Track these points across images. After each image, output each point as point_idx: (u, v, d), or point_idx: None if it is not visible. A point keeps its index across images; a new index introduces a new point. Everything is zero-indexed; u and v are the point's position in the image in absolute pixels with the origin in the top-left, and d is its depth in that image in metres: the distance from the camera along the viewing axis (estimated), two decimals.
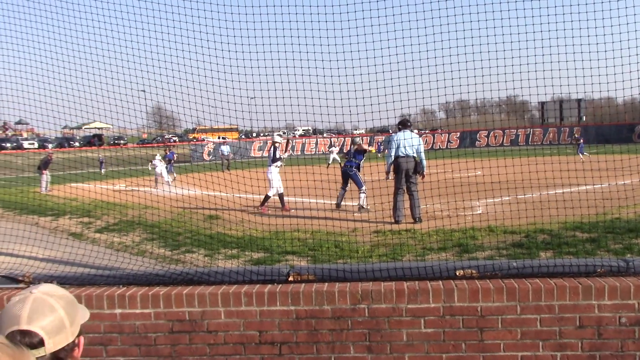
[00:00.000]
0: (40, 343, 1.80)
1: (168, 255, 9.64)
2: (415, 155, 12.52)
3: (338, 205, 15.15)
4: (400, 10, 5.05)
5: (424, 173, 12.56)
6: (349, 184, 15.32)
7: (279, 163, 15.72)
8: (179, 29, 5.31)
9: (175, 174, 27.44)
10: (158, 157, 25.39)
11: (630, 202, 12.16)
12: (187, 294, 4.13)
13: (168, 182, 24.23)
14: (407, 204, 12.36)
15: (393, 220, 12.23)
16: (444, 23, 5.06)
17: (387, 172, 12.72)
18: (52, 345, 1.82)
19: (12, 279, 4.56)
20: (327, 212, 14.24)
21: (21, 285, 4.48)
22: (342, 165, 15.96)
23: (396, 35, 5.09)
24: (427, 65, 5.17)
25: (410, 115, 13.23)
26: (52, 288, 1.94)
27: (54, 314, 1.85)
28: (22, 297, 1.86)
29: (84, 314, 2.04)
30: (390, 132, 12.87)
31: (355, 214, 13.96)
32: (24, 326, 1.79)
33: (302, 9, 5.06)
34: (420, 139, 12.97)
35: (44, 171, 24.25)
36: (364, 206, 14.97)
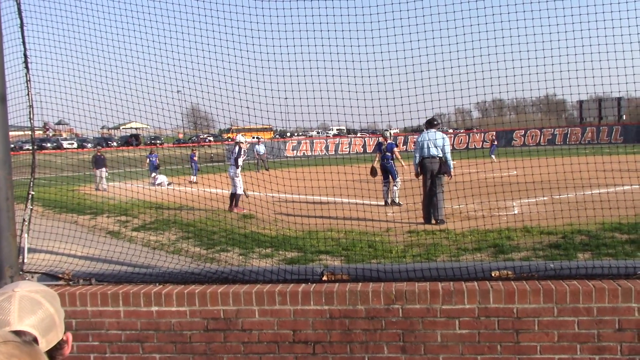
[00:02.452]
0: (34, 343, 1.64)
1: (203, 254, 9.74)
2: (440, 155, 12.34)
3: (387, 202, 15.27)
4: (432, 10, 5.01)
5: (452, 173, 12.39)
6: (389, 178, 15.44)
7: (240, 162, 15.80)
8: (212, 31, 5.36)
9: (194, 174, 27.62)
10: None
11: None
12: (222, 292, 4.17)
13: (161, 182, 24.80)
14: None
15: (423, 221, 12.16)
16: (481, 22, 5.01)
17: (416, 174, 12.65)
18: (45, 344, 1.69)
19: (52, 276, 4.67)
20: (360, 212, 14.22)
21: (61, 282, 4.58)
22: (378, 161, 15.97)
23: (433, 35, 5.06)
24: (464, 64, 5.13)
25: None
26: (33, 285, 1.79)
27: (44, 312, 1.71)
28: (6, 297, 1.70)
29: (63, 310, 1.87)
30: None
31: (388, 211, 13.94)
32: (15, 326, 1.64)
33: (333, 10, 5.06)
34: (447, 138, 12.75)
35: (95, 169, 24.86)
36: (396, 201, 15.08)
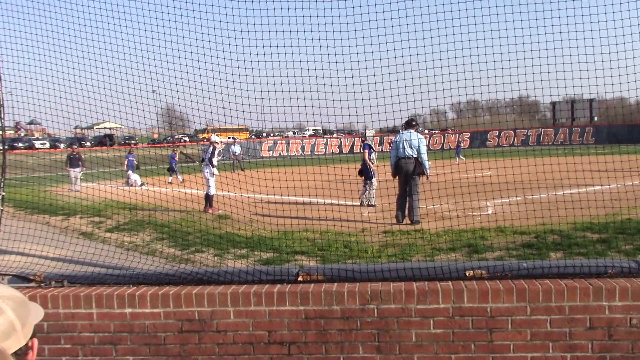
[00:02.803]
0: None
1: (178, 255, 9.68)
2: (415, 155, 12.33)
3: (362, 202, 15.32)
4: (408, 12, 5.04)
5: (428, 174, 12.42)
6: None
7: (215, 162, 15.79)
8: (188, 31, 5.33)
9: (177, 175, 27.55)
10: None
11: None
12: (197, 293, 4.14)
13: (133, 182, 24.85)
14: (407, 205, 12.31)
15: (396, 221, 12.19)
16: (456, 25, 5.05)
17: (393, 174, 12.68)
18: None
19: (23, 278, 4.59)
20: (336, 212, 14.24)
21: (32, 284, 4.51)
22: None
23: (409, 37, 5.09)
24: (439, 66, 5.15)
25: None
26: (1, 289, 1.75)
27: (3, 319, 1.67)
28: None
29: (37, 314, 1.84)
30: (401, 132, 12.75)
31: (363, 212, 13.98)
32: None
33: (310, 12, 5.07)
34: (423, 139, 12.76)
35: (70, 169, 24.48)
36: (371, 202, 15.15)
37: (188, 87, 5.46)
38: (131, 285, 4.39)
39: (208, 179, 15.59)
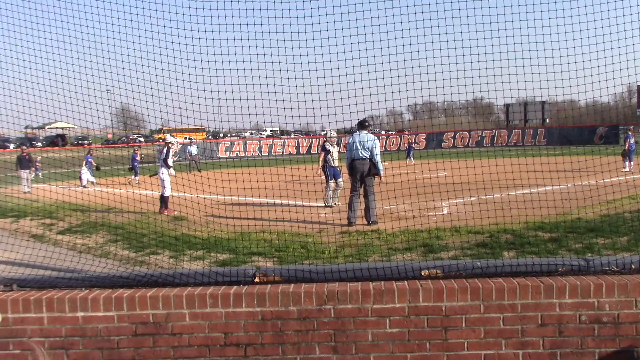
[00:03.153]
0: None
1: (132, 257, 9.51)
2: (369, 157, 12.34)
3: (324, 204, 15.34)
4: (365, 15, 5.07)
5: (382, 175, 12.51)
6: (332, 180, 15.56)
7: (170, 163, 15.69)
8: (144, 30, 5.25)
9: (135, 176, 27.24)
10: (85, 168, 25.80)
11: (590, 202, 12.43)
12: (151, 296, 4.08)
13: (85, 181, 24.48)
14: (363, 206, 12.36)
15: (347, 222, 12.22)
16: (412, 27, 5.10)
17: (349, 174, 12.71)
18: None
19: None
20: (293, 213, 14.25)
21: None
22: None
23: (366, 39, 5.13)
24: (395, 68, 5.20)
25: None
26: None
27: None
28: None
29: None
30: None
31: (320, 212, 14.01)
32: None
33: (267, 12, 5.05)
34: (377, 140, 12.81)
35: (20, 170, 23.85)
36: (328, 202, 15.22)
37: (144, 86, 5.38)
38: (84, 289, 4.30)
39: (163, 180, 15.39)
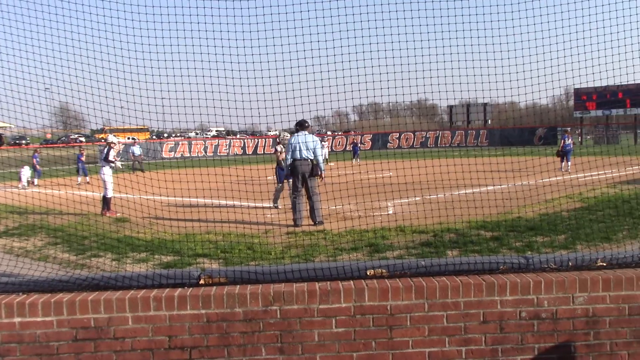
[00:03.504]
0: None
1: (73, 260, 9.26)
2: (312, 157, 12.42)
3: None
4: (311, 14, 5.07)
5: (323, 175, 12.57)
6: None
7: (112, 165, 15.47)
8: (84, 27, 5.11)
9: (82, 176, 26.66)
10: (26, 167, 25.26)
11: (530, 201, 12.79)
12: (93, 300, 3.98)
13: (24, 184, 24.16)
14: (307, 207, 12.39)
15: (294, 224, 12.23)
16: (357, 28, 5.14)
17: (288, 175, 12.68)
18: None
19: None
20: (238, 214, 14.16)
21: None
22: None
23: (311, 39, 5.13)
24: (341, 68, 5.22)
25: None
26: None
27: None
28: None
29: None
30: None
31: (266, 213, 13.97)
32: None
33: (212, 10, 5.00)
34: (318, 141, 12.87)
35: None
36: (274, 203, 15.22)
37: (84, 85, 5.24)
38: (21, 293, 4.16)
39: (105, 181, 15.04)
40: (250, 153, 57.55)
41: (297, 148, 12.27)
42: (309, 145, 12.30)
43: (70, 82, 5.24)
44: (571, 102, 60.60)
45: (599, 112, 62.40)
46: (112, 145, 15.46)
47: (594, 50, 5.47)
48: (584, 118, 63.47)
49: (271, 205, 15.42)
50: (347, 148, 55.08)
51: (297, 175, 12.33)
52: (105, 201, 14.85)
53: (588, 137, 65.82)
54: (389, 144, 62.57)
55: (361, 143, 52.74)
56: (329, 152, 47.51)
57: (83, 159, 27.24)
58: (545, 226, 10.62)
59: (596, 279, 4.08)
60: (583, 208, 13.07)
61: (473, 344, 4.04)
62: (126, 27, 5.04)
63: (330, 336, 4.01)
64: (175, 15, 5.01)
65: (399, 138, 63.08)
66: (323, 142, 45.39)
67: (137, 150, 36.19)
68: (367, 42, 5.17)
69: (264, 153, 56.46)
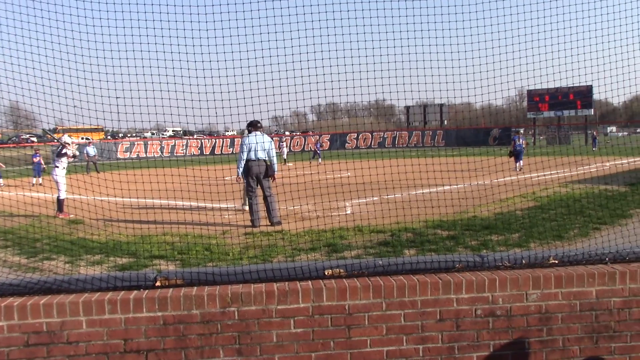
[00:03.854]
0: None
1: (24, 263, 9.02)
2: (266, 158, 12.41)
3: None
4: (269, 13, 5.06)
5: (275, 175, 12.53)
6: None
7: (64, 164, 15.20)
8: (35, 24, 4.97)
9: (33, 177, 26.04)
10: None
11: (485, 201, 13.01)
12: (45, 303, 3.88)
13: None
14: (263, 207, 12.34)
15: (251, 225, 12.15)
16: (316, 27, 5.14)
17: (238, 175, 12.56)
18: None
19: None
20: (195, 214, 14.02)
21: None
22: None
23: (269, 38, 5.12)
24: (299, 68, 5.22)
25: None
26: None
27: None
28: None
29: None
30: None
31: (224, 214, 13.86)
32: None
33: (167, 8, 4.93)
34: (272, 142, 12.87)
35: None
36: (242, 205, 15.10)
37: (35, 83, 5.09)
38: None
39: (58, 182, 14.70)
40: (207, 153, 57.10)
41: (253, 148, 12.20)
42: (265, 145, 12.27)
43: (21, 81, 5.09)
44: (525, 103, 62.05)
45: (552, 113, 64.08)
46: (66, 145, 15.12)
47: (547, 52, 5.61)
48: (537, 119, 65.05)
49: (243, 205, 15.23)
50: (306, 149, 55.19)
51: (252, 176, 12.26)
52: (59, 203, 14.51)
53: (541, 137, 67.48)
54: (347, 144, 62.95)
55: (320, 143, 52.89)
56: (287, 152, 47.51)
57: (38, 159, 26.54)
58: (500, 225, 10.82)
59: (548, 276, 4.17)
60: (536, 207, 13.37)
61: (430, 342, 4.08)
62: (79, 24, 4.93)
63: (288, 337, 4.00)
64: (130, 12, 4.93)
65: (357, 138, 63.51)
66: (281, 142, 45.36)
67: (91, 150, 35.53)
68: (325, 42, 5.18)
69: (221, 153, 56.14)
